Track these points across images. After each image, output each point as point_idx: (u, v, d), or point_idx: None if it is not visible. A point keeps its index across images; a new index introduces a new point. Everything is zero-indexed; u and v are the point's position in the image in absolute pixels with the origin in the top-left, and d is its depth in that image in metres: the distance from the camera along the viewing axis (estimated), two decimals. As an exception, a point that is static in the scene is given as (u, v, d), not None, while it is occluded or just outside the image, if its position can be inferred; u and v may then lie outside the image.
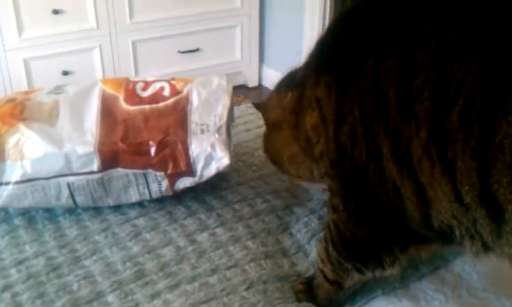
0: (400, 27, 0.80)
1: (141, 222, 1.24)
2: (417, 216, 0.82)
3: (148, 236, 1.20)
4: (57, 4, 3.05)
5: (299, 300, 1.04)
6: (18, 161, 1.19)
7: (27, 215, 1.27)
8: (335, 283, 1.01)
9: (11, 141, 1.20)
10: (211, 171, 1.23)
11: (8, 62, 3.02)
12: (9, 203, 1.23)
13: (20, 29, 3.00)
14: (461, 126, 0.69)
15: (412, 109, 0.74)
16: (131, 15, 3.27)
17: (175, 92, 1.29)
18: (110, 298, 1.04)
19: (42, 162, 1.19)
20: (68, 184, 1.21)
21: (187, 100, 1.28)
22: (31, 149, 1.19)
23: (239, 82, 3.73)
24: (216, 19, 3.53)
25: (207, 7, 3.47)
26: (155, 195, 1.27)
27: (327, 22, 3.29)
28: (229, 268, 1.11)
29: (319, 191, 1.31)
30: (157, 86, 1.32)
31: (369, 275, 0.98)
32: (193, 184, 1.25)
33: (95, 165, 1.20)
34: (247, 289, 1.05)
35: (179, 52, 3.50)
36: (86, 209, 1.28)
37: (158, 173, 1.23)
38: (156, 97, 1.28)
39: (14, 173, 1.19)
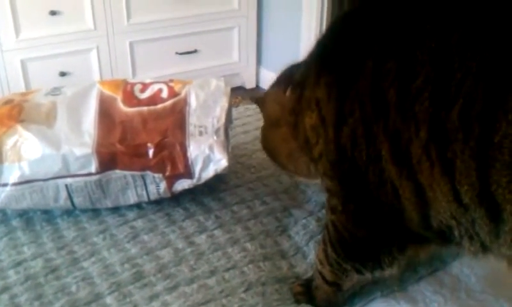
0: (400, 29, 0.80)
1: (139, 224, 1.24)
2: (416, 216, 0.82)
3: (146, 238, 1.20)
4: (54, 5, 3.05)
5: (297, 302, 1.04)
6: (16, 162, 1.19)
7: (25, 216, 1.27)
8: (333, 284, 1.01)
9: (9, 143, 1.20)
10: (209, 173, 1.23)
11: (5, 63, 3.02)
12: (7, 205, 1.23)
13: (17, 30, 3.00)
14: (461, 126, 0.70)
15: (412, 109, 0.74)
16: (128, 16, 3.27)
17: (173, 94, 1.29)
18: (108, 299, 1.04)
19: (40, 163, 1.19)
20: (66, 186, 1.21)
21: (185, 102, 1.28)
22: (28, 151, 1.19)
23: (237, 83, 3.73)
24: (213, 21, 3.54)
25: (205, 9, 3.48)
26: (153, 197, 1.26)
27: (324, 23, 3.30)
28: (227, 270, 1.11)
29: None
30: (155, 87, 1.32)
31: (368, 275, 0.98)
32: (191, 186, 1.25)
33: (93, 167, 1.20)
34: (245, 291, 1.05)
35: (177, 53, 3.50)
36: (84, 211, 1.28)
37: (156, 175, 1.23)
38: (154, 99, 1.28)
39: (12, 175, 1.19)
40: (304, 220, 1.25)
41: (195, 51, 3.56)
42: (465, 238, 0.79)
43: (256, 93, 3.76)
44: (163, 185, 1.24)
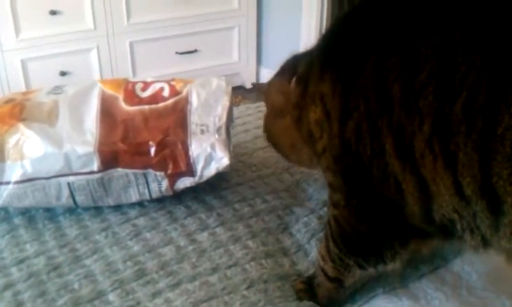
0: (404, 25, 0.81)
1: (141, 221, 1.25)
2: (418, 211, 0.82)
3: (148, 235, 1.20)
4: (54, 5, 3.06)
5: (299, 299, 1.04)
6: (18, 161, 1.19)
7: (28, 214, 1.27)
8: (335, 280, 1.01)
9: (11, 141, 1.20)
10: (211, 171, 1.23)
11: (5, 63, 3.03)
12: (10, 203, 1.23)
13: (17, 30, 3.00)
14: (464, 119, 0.70)
15: (416, 104, 0.75)
16: (128, 16, 3.28)
17: (174, 93, 1.30)
18: (111, 297, 1.04)
19: (42, 161, 1.19)
20: (69, 184, 1.21)
21: (186, 100, 1.28)
22: (31, 149, 1.19)
23: (237, 83, 3.73)
24: (213, 20, 3.55)
25: (205, 9, 3.49)
26: (155, 195, 1.27)
27: (324, 23, 3.30)
28: (229, 267, 1.11)
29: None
30: (157, 86, 1.32)
31: (371, 270, 0.98)
32: (193, 184, 1.25)
33: (95, 165, 1.20)
34: (248, 288, 1.06)
35: (177, 53, 3.51)
36: (86, 209, 1.28)
37: (158, 173, 1.23)
38: (156, 98, 1.29)
39: (14, 173, 1.19)
40: (305, 218, 1.25)
41: (195, 51, 3.57)
42: (467, 232, 0.79)
43: (256, 92, 3.76)
44: (165, 183, 1.24)
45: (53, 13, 3.06)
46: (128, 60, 3.37)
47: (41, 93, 1.34)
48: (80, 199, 1.24)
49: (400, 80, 0.77)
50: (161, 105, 1.27)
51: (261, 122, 1.69)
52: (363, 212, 0.92)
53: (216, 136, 1.23)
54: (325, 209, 1.26)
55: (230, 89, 1.35)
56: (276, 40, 3.68)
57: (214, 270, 1.10)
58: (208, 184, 1.30)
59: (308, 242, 1.19)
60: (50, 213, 1.28)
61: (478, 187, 0.72)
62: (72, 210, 1.28)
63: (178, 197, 1.30)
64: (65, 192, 1.22)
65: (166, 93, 1.29)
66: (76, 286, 1.07)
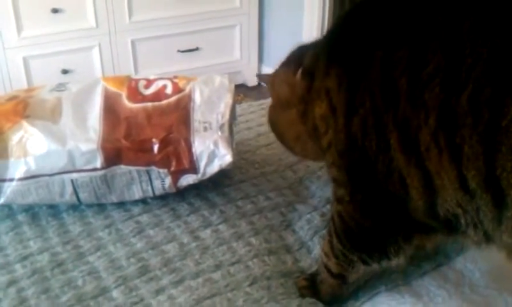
0: (412, 18, 0.81)
1: (144, 218, 1.25)
2: (422, 205, 0.83)
3: (151, 232, 1.21)
4: (56, 2, 3.06)
5: (302, 296, 1.04)
6: (21, 158, 1.20)
7: (31, 211, 1.28)
8: (338, 277, 1.02)
9: (15, 138, 1.20)
10: (214, 168, 1.24)
11: (7, 60, 3.03)
12: (13, 200, 1.23)
13: (19, 28, 3.01)
14: (470, 111, 0.71)
15: (422, 97, 0.75)
16: (130, 14, 3.28)
17: (177, 90, 1.30)
18: (115, 293, 1.05)
19: (46, 158, 1.20)
20: (72, 181, 1.21)
21: (189, 98, 1.29)
22: (34, 146, 1.20)
23: (238, 81, 3.74)
24: (215, 19, 3.55)
25: (207, 7, 3.49)
26: (158, 192, 1.27)
27: (326, 21, 3.30)
28: (232, 264, 1.11)
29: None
30: (160, 84, 1.32)
31: (375, 266, 0.99)
32: (196, 181, 1.26)
33: (98, 162, 1.20)
34: (250, 285, 1.06)
35: (178, 51, 3.51)
36: (89, 206, 1.28)
37: (161, 170, 1.23)
38: (159, 95, 1.29)
39: (18, 170, 1.20)
40: (308, 215, 1.25)
41: (197, 49, 3.57)
42: (470, 226, 0.80)
43: (257, 90, 3.77)
44: (168, 181, 1.24)
45: (55, 11, 3.06)
46: (130, 58, 3.37)
47: (44, 90, 1.34)
48: (83, 196, 1.24)
49: (407, 72, 0.77)
50: (164, 102, 1.27)
51: (263, 120, 1.70)
52: (367, 207, 0.92)
53: (219, 133, 1.23)
54: (328, 206, 1.26)
55: (232, 86, 1.35)
56: (278, 38, 3.68)
57: (217, 267, 1.11)
58: (211, 181, 1.31)
59: (311, 239, 1.19)
60: (53, 210, 1.28)
61: (482, 179, 0.72)
62: (76, 207, 1.28)
63: (181, 194, 1.30)
64: (69, 189, 1.22)
65: (169, 90, 1.30)
66: (80, 282, 1.07)
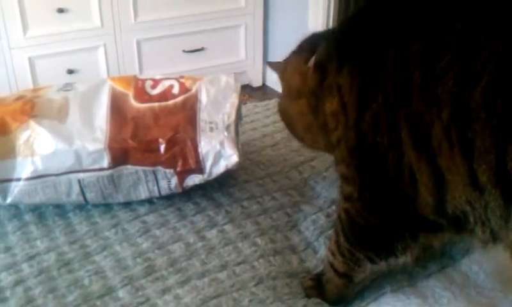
0: (425, 13, 0.82)
1: (150, 218, 1.25)
2: (431, 202, 0.83)
3: (157, 232, 1.21)
4: (62, 2, 3.07)
5: (308, 296, 1.05)
6: (29, 157, 1.20)
7: (38, 211, 1.28)
8: (344, 276, 1.02)
9: (22, 138, 1.21)
10: (220, 168, 1.24)
11: (13, 60, 3.04)
12: (20, 199, 1.24)
13: (25, 28, 3.01)
14: (484, 104, 0.71)
15: (435, 91, 0.76)
16: (136, 14, 3.28)
17: (184, 90, 1.31)
18: (121, 293, 1.05)
19: (53, 158, 1.20)
20: (79, 180, 1.22)
21: (196, 98, 1.29)
22: (41, 146, 1.20)
23: (244, 81, 3.74)
24: (220, 19, 3.55)
25: (212, 7, 3.49)
26: (164, 192, 1.28)
27: (331, 21, 3.30)
28: (238, 264, 1.12)
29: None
30: (166, 83, 1.33)
31: (381, 264, 0.99)
32: (202, 181, 1.26)
33: (105, 162, 1.21)
34: (256, 285, 1.06)
35: (183, 51, 3.51)
36: (96, 206, 1.29)
37: (167, 170, 1.24)
38: (165, 95, 1.29)
39: (25, 169, 1.20)
40: (314, 216, 1.26)
41: (202, 49, 3.57)
42: (478, 224, 0.80)
43: (262, 91, 3.78)
44: (174, 181, 1.25)
45: (60, 10, 3.07)
46: (135, 58, 3.38)
47: (51, 89, 1.34)
48: (90, 196, 1.25)
49: (421, 67, 0.78)
50: (171, 102, 1.27)
51: (269, 121, 1.71)
52: (376, 205, 0.92)
53: (225, 134, 1.23)
54: (333, 207, 1.27)
55: (238, 86, 1.36)
56: (283, 38, 3.68)
57: (223, 267, 1.11)
58: (217, 181, 1.31)
59: (316, 239, 1.19)
60: (60, 209, 1.29)
61: (493, 174, 0.73)
62: (82, 207, 1.29)
63: (187, 194, 1.31)
64: (75, 189, 1.23)
65: (175, 90, 1.30)
66: (86, 282, 1.08)
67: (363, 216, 0.94)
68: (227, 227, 1.22)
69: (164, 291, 1.05)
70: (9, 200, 1.23)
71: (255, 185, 1.39)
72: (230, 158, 1.23)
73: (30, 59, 3.09)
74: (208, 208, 1.29)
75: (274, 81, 3.69)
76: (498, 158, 0.72)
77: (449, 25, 0.77)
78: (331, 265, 1.03)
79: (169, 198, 1.30)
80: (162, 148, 1.22)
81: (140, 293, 1.05)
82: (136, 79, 1.35)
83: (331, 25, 3.29)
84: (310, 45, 1.09)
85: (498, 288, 1.05)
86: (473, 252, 1.12)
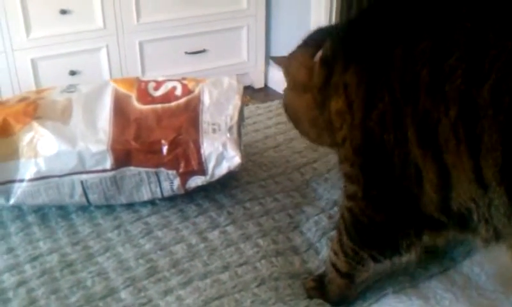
0: (434, 11, 0.83)
1: (153, 220, 1.26)
2: (436, 199, 0.84)
3: (160, 233, 1.21)
4: (64, 4, 3.07)
5: (310, 297, 1.05)
6: (32, 159, 1.21)
7: (41, 212, 1.29)
8: (347, 276, 1.02)
9: (25, 139, 1.22)
10: (222, 170, 1.24)
11: (15, 61, 3.04)
12: (23, 200, 1.24)
13: (27, 29, 3.02)
14: (492, 102, 0.72)
15: (443, 88, 0.76)
16: (138, 16, 3.29)
17: (186, 91, 1.31)
18: (123, 294, 1.05)
19: (56, 159, 1.21)
20: (82, 182, 1.22)
21: (198, 99, 1.29)
22: (44, 147, 1.21)
23: (246, 83, 3.74)
24: (222, 20, 3.55)
25: (214, 9, 3.49)
26: (166, 193, 1.28)
27: (333, 23, 3.30)
28: (240, 265, 1.12)
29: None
30: (169, 85, 1.33)
31: (385, 263, 0.99)
32: (204, 183, 1.26)
33: (108, 164, 1.21)
34: (258, 286, 1.06)
35: (186, 53, 3.52)
36: (98, 207, 1.29)
37: (170, 172, 1.24)
38: (168, 96, 1.30)
39: (28, 171, 1.21)
40: (316, 217, 1.26)
41: (204, 51, 3.57)
42: (482, 222, 0.81)
43: (264, 92, 3.78)
44: (177, 182, 1.25)
45: (63, 12, 3.07)
46: (137, 59, 3.38)
47: (54, 91, 1.35)
48: (93, 197, 1.25)
49: (429, 64, 0.78)
50: (174, 104, 1.28)
51: (271, 122, 1.71)
52: (380, 203, 0.93)
53: (228, 135, 1.24)
54: (335, 209, 1.27)
55: (241, 87, 1.36)
56: (285, 40, 3.68)
57: (225, 268, 1.11)
58: (219, 183, 1.31)
59: (318, 240, 1.19)
60: (63, 211, 1.29)
61: (498, 170, 0.74)
62: (85, 208, 1.29)
63: (190, 195, 1.31)
64: (78, 190, 1.23)
65: (178, 91, 1.31)
66: (89, 283, 1.08)
67: (368, 214, 0.95)
68: (229, 228, 1.23)
69: (166, 292, 1.05)
70: (12, 201, 1.24)
71: (257, 186, 1.39)
72: (233, 159, 1.23)
73: (33, 61, 3.09)
74: (211, 210, 1.29)
75: (276, 82, 3.70)
76: (504, 155, 0.72)
77: (458, 24, 0.78)
78: (334, 265, 1.03)
79: (172, 199, 1.31)
80: (165, 149, 1.22)
81: (142, 294, 1.05)
82: (138, 81, 1.36)
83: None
84: (316, 39, 1.09)
85: (500, 289, 1.05)
86: (474, 254, 1.12)
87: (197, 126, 1.24)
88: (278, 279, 1.08)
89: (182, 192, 1.28)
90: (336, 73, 0.95)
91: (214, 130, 1.24)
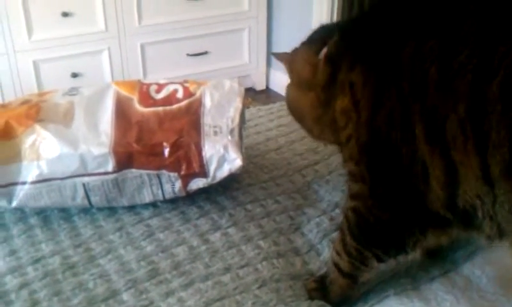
0: (442, 9, 0.83)
1: (154, 222, 1.26)
2: (443, 196, 0.84)
3: (161, 236, 1.22)
4: (66, 6, 3.07)
5: (311, 298, 1.05)
6: (34, 161, 1.21)
7: (43, 214, 1.29)
8: (349, 276, 1.02)
9: (28, 142, 1.22)
10: (224, 172, 1.25)
11: (17, 64, 3.05)
12: (26, 203, 1.25)
13: (29, 31, 3.02)
14: (500, 97, 0.72)
15: (452, 85, 0.77)
16: (140, 18, 3.29)
17: (188, 94, 1.31)
18: (125, 296, 1.06)
19: (58, 162, 1.21)
20: (84, 184, 1.23)
21: (200, 102, 1.30)
22: (47, 150, 1.21)
23: (247, 85, 3.74)
24: (223, 22, 3.56)
25: (215, 11, 3.50)
26: (168, 195, 1.28)
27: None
28: (241, 267, 1.12)
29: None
30: (171, 88, 1.34)
31: (389, 263, 1.00)
32: (206, 185, 1.27)
33: (110, 166, 1.22)
34: (259, 287, 1.07)
35: (187, 55, 3.52)
36: (100, 209, 1.30)
37: (171, 174, 1.24)
38: (170, 99, 1.30)
39: (30, 173, 1.21)
40: (317, 219, 1.26)
41: (205, 53, 3.58)
42: (486, 219, 0.81)
43: (266, 94, 3.78)
44: (178, 184, 1.26)
45: (65, 14, 3.08)
46: (139, 62, 3.39)
47: (57, 94, 1.35)
48: (95, 199, 1.26)
49: (438, 62, 0.79)
50: (175, 106, 1.28)
51: (272, 124, 1.71)
52: (387, 201, 0.93)
53: (229, 138, 1.24)
54: (337, 210, 1.27)
55: (242, 90, 1.37)
56: (286, 42, 3.68)
57: (227, 270, 1.12)
58: (221, 185, 1.32)
59: (319, 242, 1.20)
60: (65, 213, 1.30)
61: (505, 166, 0.74)
62: (87, 210, 1.30)
63: (191, 197, 1.32)
64: (80, 193, 1.24)
65: (180, 94, 1.31)
66: (91, 285, 1.09)
67: (374, 213, 0.95)
68: (231, 230, 1.23)
69: (168, 294, 1.06)
70: (14, 204, 1.24)
71: (259, 188, 1.40)
72: (234, 162, 1.24)
73: (35, 63, 3.10)
74: (212, 212, 1.30)
75: (277, 84, 3.70)
76: (511, 151, 0.73)
77: (466, 21, 0.78)
78: (336, 265, 1.03)
79: (173, 202, 1.31)
80: (167, 151, 1.23)
81: (144, 296, 1.06)
82: (140, 84, 1.37)
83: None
84: (321, 36, 1.09)
85: (501, 292, 1.05)
86: (475, 257, 1.13)
87: (198, 128, 1.25)
88: (279, 281, 1.08)
89: (184, 194, 1.28)
90: (342, 72, 0.95)
91: (215, 133, 1.25)
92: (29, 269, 1.13)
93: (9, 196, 1.23)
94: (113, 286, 1.08)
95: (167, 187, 1.26)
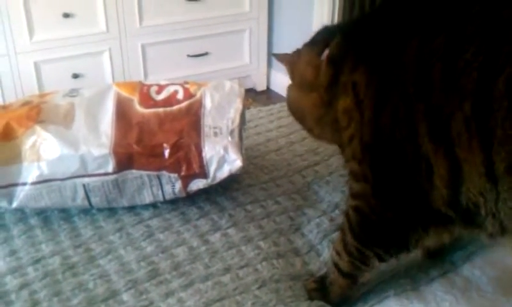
0: (447, 7, 0.83)
1: (154, 222, 1.27)
2: (446, 194, 0.84)
3: (161, 236, 1.22)
4: (67, 7, 3.08)
5: (311, 298, 1.05)
6: (34, 162, 1.21)
7: (43, 215, 1.29)
8: (349, 276, 1.02)
9: (28, 143, 1.22)
10: (224, 173, 1.25)
11: (18, 65, 3.05)
12: (26, 204, 1.25)
13: (31, 32, 3.03)
14: (506, 94, 0.73)
15: (457, 83, 0.77)
16: (141, 19, 3.30)
17: (188, 95, 1.32)
18: (125, 296, 1.06)
19: (58, 163, 1.21)
20: (84, 185, 1.23)
21: (200, 103, 1.30)
22: (47, 151, 1.21)
23: (248, 86, 3.74)
24: (224, 23, 3.56)
25: (216, 12, 3.50)
26: (168, 196, 1.29)
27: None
28: (241, 267, 1.12)
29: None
30: (171, 89, 1.34)
31: (389, 262, 1.00)
32: (206, 186, 1.27)
33: (110, 167, 1.22)
34: (259, 288, 1.07)
35: (188, 56, 3.52)
36: (100, 210, 1.30)
37: (172, 175, 1.25)
38: (170, 100, 1.31)
39: (31, 174, 1.22)
40: (317, 220, 1.26)
41: (206, 53, 3.58)
42: (489, 216, 0.82)
43: (266, 95, 3.79)
44: (178, 185, 1.26)
45: (66, 15, 3.08)
46: (140, 62, 3.39)
47: (57, 95, 1.36)
48: (95, 200, 1.26)
49: (444, 60, 0.79)
50: (175, 107, 1.28)
51: (273, 125, 1.72)
52: (390, 200, 0.93)
53: (229, 138, 1.24)
54: (337, 211, 1.28)
55: (243, 91, 1.37)
56: (287, 43, 3.68)
57: (226, 270, 1.12)
58: (221, 186, 1.32)
59: (319, 242, 1.20)
60: (65, 214, 1.30)
61: (510, 163, 0.74)
62: (87, 211, 1.30)
63: (191, 198, 1.32)
64: (80, 193, 1.24)
65: (180, 95, 1.31)
66: (91, 285, 1.09)
67: (376, 212, 0.95)
68: (230, 231, 1.23)
69: (168, 294, 1.06)
70: (15, 204, 1.24)
71: (259, 189, 1.40)
72: (234, 163, 1.24)
73: (36, 64, 3.10)
74: (212, 212, 1.30)
75: (278, 85, 3.70)
76: None
77: (472, 20, 0.79)
78: (336, 265, 1.03)
79: (173, 202, 1.32)
80: (167, 152, 1.23)
81: (144, 296, 1.06)
82: (141, 85, 1.37)
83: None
84: (323, 38, 1.09)
85: (500, 292, 1.06)
86: (475, 258, 1.13)
87: (199, 129, 1.25)
88: (279, 281, 1.09)
89: (184, 195, 1.28)
90: (345, 72, 0.95)
91: (215, 134, 1.25)
92: (29, 269, 1.13)
93: (9, 197, 1.24)
94: (113, 286, 1.09)
95: (167, 188, 1.26)
